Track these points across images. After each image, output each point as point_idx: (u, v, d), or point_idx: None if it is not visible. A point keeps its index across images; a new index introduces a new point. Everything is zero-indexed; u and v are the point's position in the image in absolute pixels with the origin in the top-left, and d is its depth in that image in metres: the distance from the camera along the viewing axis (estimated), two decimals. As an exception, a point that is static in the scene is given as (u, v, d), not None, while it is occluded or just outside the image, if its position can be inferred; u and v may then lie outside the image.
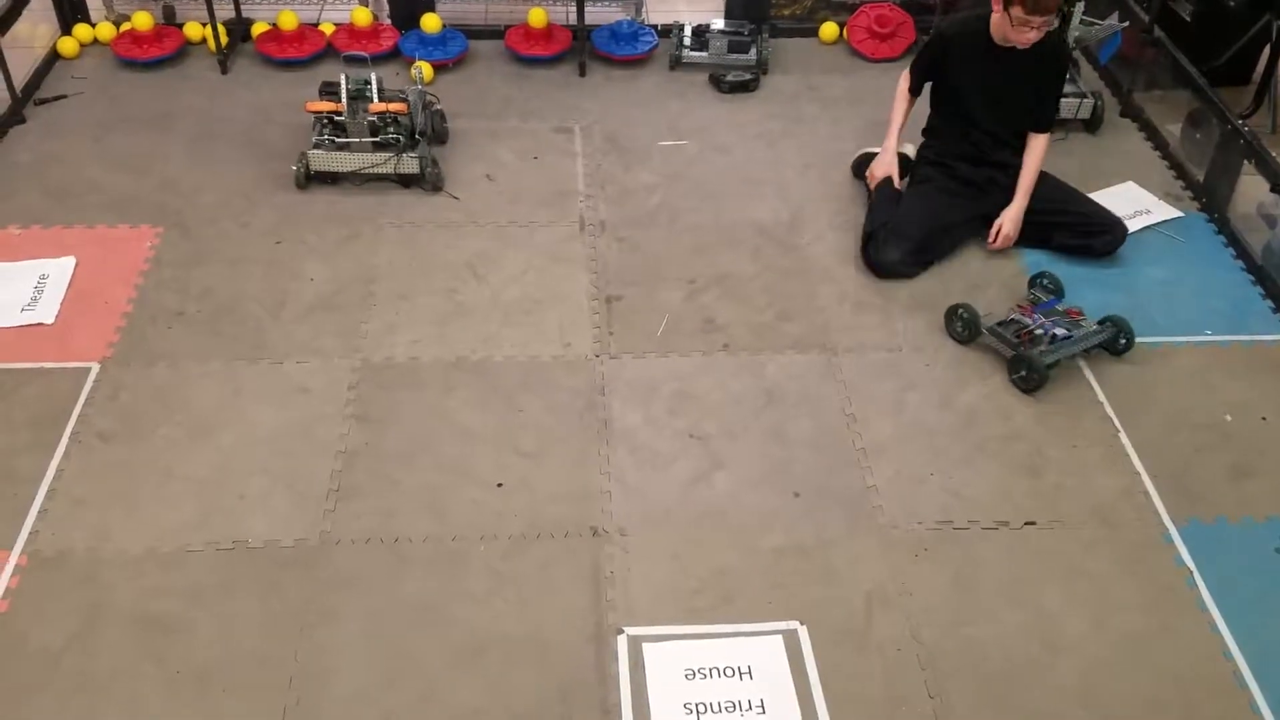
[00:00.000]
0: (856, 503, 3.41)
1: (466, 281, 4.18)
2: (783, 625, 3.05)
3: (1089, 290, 4.18)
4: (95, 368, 3.77)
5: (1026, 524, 3.33)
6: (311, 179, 4.59)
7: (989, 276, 4.24)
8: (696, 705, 2.87)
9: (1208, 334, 4.02)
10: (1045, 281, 4.04)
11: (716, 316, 4.07)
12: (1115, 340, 3.85)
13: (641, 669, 2.94)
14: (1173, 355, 3.93)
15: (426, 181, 4.59)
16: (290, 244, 4.33)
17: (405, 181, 4.62)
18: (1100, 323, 3.85)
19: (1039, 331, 3.76)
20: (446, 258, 4.29)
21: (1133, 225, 4.44)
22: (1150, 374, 3.85)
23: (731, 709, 2.87)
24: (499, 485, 3.41)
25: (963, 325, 3.91)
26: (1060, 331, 3.77)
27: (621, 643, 3.00)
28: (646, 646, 3.00)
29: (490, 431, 3.60)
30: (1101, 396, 3.75)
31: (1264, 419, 3.70)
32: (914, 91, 4.46)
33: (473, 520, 3.32)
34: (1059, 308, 3.90)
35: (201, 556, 3.19)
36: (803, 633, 3.03)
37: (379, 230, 4.42)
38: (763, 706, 2.87)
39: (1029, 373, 3.71)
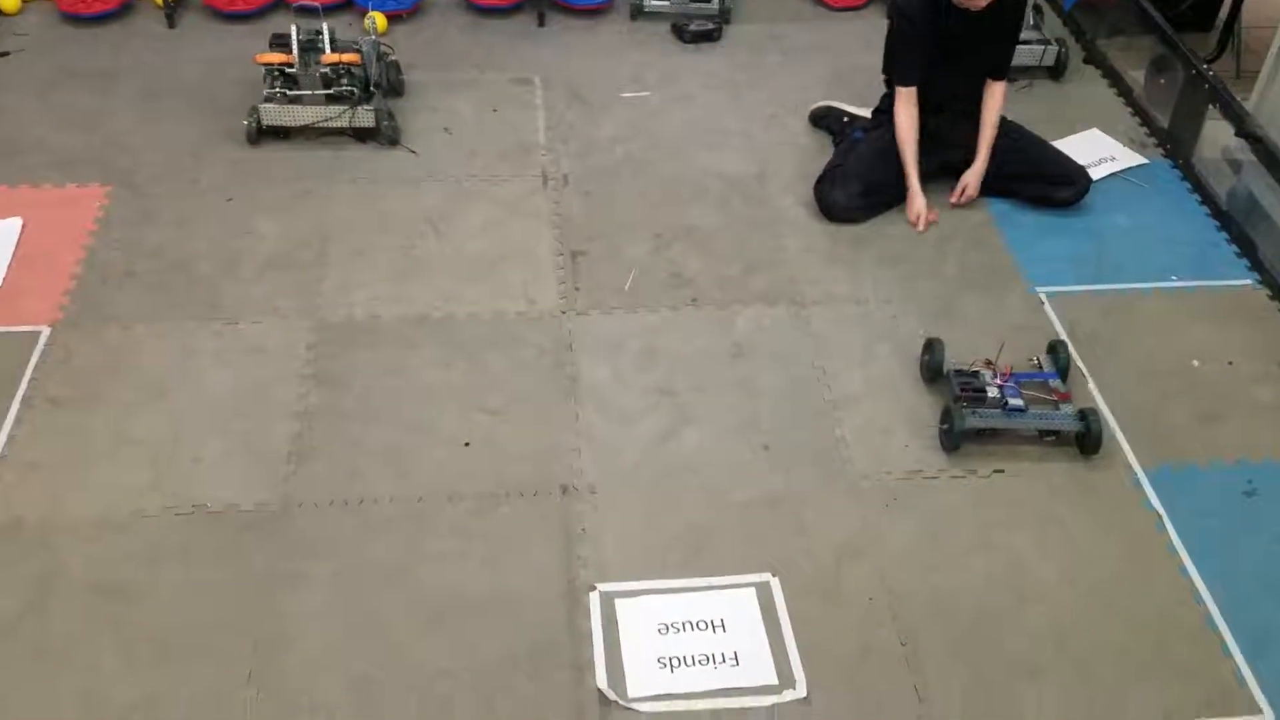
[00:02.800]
0: (826, 455, 3.38)
1: (426, 237, 4.09)
2: (755, 578, 3.03)
3: (1055, 238, 4.17)
4: (45, 331, 3.66)
5: (995, 472, 3.32)
6: (263, 134, 4.47)
7: (955, 227, 4.21)
8: (670, 659, 2.84)
9: (1174, 280, 4.01)
10: (1059, 354, 3.55)
11: (684, 270, 4.01)
12: (1080, 435, 3.34)
13: (614, 625, 2.91)
14: (1139, 302, 3.92)
15: (382, 135, 4.48)
16: (242, 201, 4.21)
17: (360, 135, 4.50)
18: (1079, 413, 3.35)
19: (991, 393, 3.37)
20: (405, 213, 4.19)
21: (1097, 172, 4.42)
22: (1117, 321, 3.84)
23: (705, 661, 2.84)
24: (465, 445, 3.35)
25: (926, 366, 3.56)
26: (1015, 402, 3.35)
27: (594, 599, 2.96)
28: (619, 602, 2.96)
29: (454, 390, 3.53)
30: (1070, 347, 3.74)
31: (1230, 363, 3.70)
32: (913, 82, 4.16)
33: (439, 480, 3.25)
34: (1051, 384, 3.47)
35: (158, 522, 3.11)
36: (775, 584, 3.01)
37: (334, 186, 4.30)
38: (736, 658, 2.85)
39: (949, 429, 3.33)
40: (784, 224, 4.22)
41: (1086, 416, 3.32)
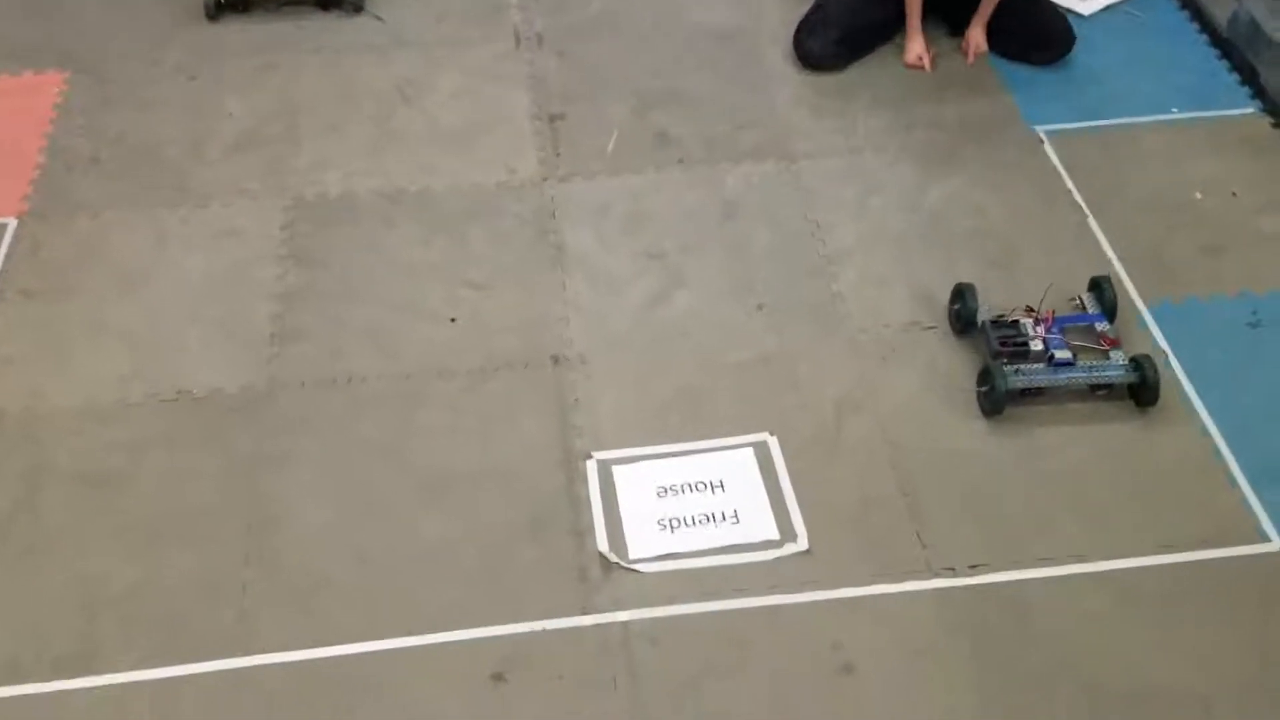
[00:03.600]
0: (822, 311, 3.30)
1: (397, 108, 3.93)
2: (752, 437, 2.98)
3: (1052, 76, 4.02)
4: (12, 223, 3.54)
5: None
6: (222, 8, 4.26)
7: (949, 69, 4.05)
8: (670, 521, 2.81)
9: (1174, 112, 3.87)
10: (1103, 292, 3.17)
11: (669, 129, 3.86)
12: (1134, 387, 2.98)
13: (612, 491, 2.87)
14: (1140, 136, 3.79)
15: (346, 2, 4.28)
16: (205, 80, 4.04)
17: (323, 4, 4.29)
18: (1133, 361, 2.99)
19: (1035, 346, 2.99)
20: (374, 84, 4.02)
21: (1093, 4, 4.25)
22: (1118, 156, 3.71)
23: (705, 521, 2.81)
24: (452, 320, 3.26)
25: (958, 317, 3.16)
26: (1062, 355, 2.99)
27: (590, 467, 2.91)
28: (616, 469, 2.92)
29: (436, 265, 3.42)
30: (1070, 184, 3.62)
31: (1234, 194, 3.59)
32: None
33: (426, 357, 3.18)
34: (1098, 327, 3.11)
35: (141, 410, 3.04)
36: (773, 443, 2.96)
37: (299, 58, 4.12)
38: (736, 516, 2.82)
39: (989, 390, 2.95)
40: (772, 76, 4.06)
41: (1142, 365, 2.94)
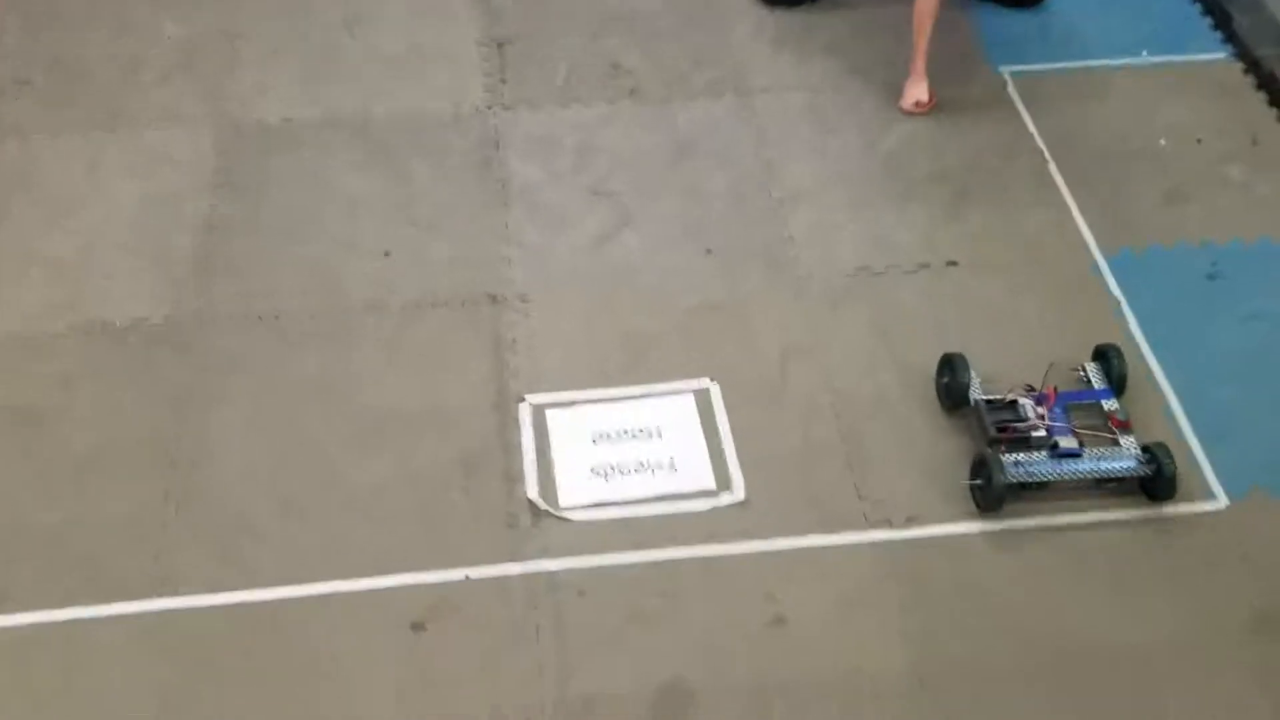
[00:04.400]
0: (773, 255, 3.20)
1: (339, 33, 3.78)
2: (694, 384, 2.90)
3: (1020, 16, 3.89)
4: (-64, 148, 3.41)
5: (949, 265, 3.16)
6: (162, -75, 4.08)
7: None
8: (604, 468, 2.74)
9: (1144, 55, 3.76)
10: (1110, 362, 2.80)
11: (622, 60, 3.73)
12: (1150, 481, 2.62)
13: (546, 436, 2.79)
14: (1108, 79, 3.68)
15: (292, -77, 4.10)
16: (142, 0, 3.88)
17: (268, -77, 4.12)
18: (1145, 451, 2.63)
19: (1036, 433, 2.64)
20: (315, 5, 3.86)
21: (1071, -56, 4.10)
22: (1084, 100, 3.61)
23: (641, 469, 2.74)
24: (386, 254, 3.16)
25: (947, 392, 2.77)
26: (1068, 444, 2.62)
27: (524, 411, 2.84)
28: (550, 413, 2.84)
29: (376, 197, 3.31)
30: (1032, 127, 3.52)
31: (1199, 141, 3.49)
32: None
33: (362, 292, 3.08)
34: (1106, 406, 2.74)
35: (69, 341, 2.95)
36: (714, 390, 2.88)
37: (239, -22, 3.97)
38: (673, 465, 2.75)
39: (985, 485, 2.57)
40: (729, 8, 3.92)
41: (1157, 456, 2.59)
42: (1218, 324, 3.02)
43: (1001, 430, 2.63)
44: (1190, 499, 2.68)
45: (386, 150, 3.43)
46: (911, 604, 2.50)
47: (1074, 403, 2.74)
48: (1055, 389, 2.70)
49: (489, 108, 3.56)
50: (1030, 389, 2.71)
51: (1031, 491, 2.61)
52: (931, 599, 2.51)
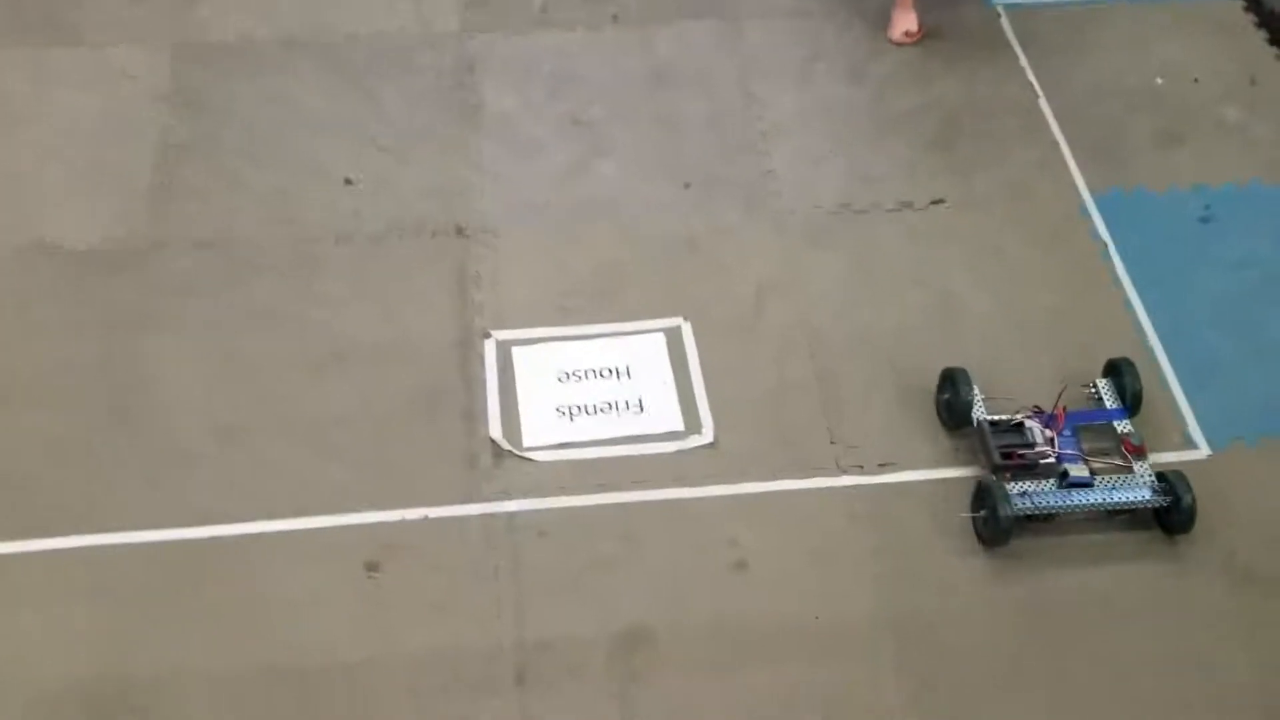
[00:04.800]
0: (752, 189, 3.09)
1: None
2: (665, 322, 2.81)
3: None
4: (-119, 59, 3.26)
5: (933, 203, 3.05)
6: None
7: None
8: (570, 408, 2.65)
9: (1145, -11, 3.63)
10: (1123, 379, 2.59)
11: (605, -17, 3.59)
12: (1166, 513, 2.43)
13: (510, 374, 2.70)
14: (1104, 14, 3.54)
15: None
16: (99, -92, 3.70)
17: None
18: (1161, 480, 2.44)
19: (1044, 460, 2.45)
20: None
21: None
22: (1080, 35, 3.47)
23: (607, 409, 2.66)
24: (347, 181, 3.04)
25: (948, 410, 2.58)
26: (1078, 473, 2.43)
27: (489, 347, 2.74)
28: (516, 350, 2.74)
29: (342, 121, 3.18)
30: (1024, 61, 3.39)
31: (1196, 80, 3.37)
32: None
33: (324, 221, 2.96)
34: (1119, 429, 2.54)
35: (10, 262, 2.83)
36: (686, 329, 2.79)
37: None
38: (641, 405, 2.66)
39: (989, 517, 2.38)
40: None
41: (1174, 486, 2.40)
42: (1207, 269, 2.93)
43: (1007, 457, 2.44)
44: (1172, 448, 2.61)
45: (353, 73, 3.29)
46: (882, 552, 2.43)
47: (1084, 424, 2.55)
48: (1064, 409, 2.51)
49: (463, 30, 3.41)
50: (1038, 410, 2.52)
51: (1037, 524, 2.43)
52: (903, 547, 2.44)
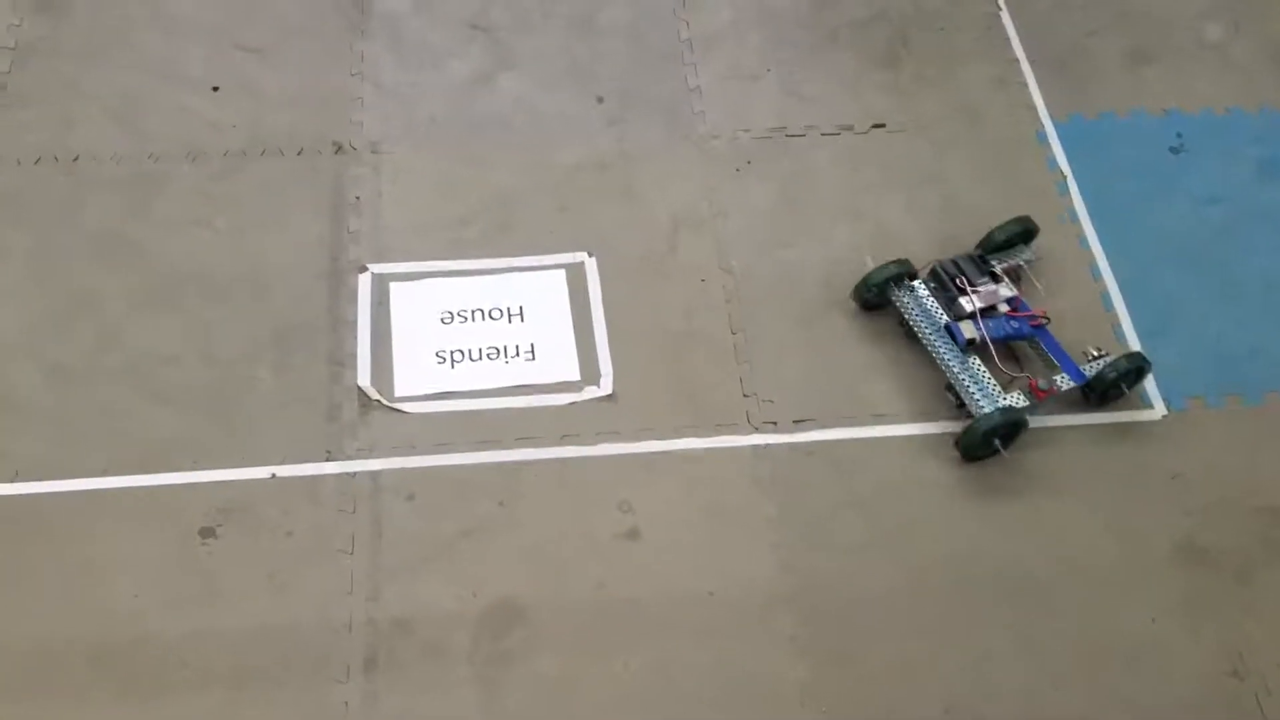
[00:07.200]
0: (673, 108, 2.75)
1: None
2: (567, 258, 2.48)
3: None
4: None
5: (874, 127, 2.72)
6: None
7: None
8: (451, 353, 2.33)
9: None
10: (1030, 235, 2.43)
11: None
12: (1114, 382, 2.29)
13: (386, 313, 2.37)
14: (1077, -85, 3.18)
15: None
16: None
17: None
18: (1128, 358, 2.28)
19: (966, 305, 2.32)
20: None
21: None
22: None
23: (495, 355, 2.34)
24: (215, 89, 2.67)
25: (866, 286, 2.39)
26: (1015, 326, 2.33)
27: (364, 281, 2.41)
28: (394, 286, 2.41)
29: (207, 20, 2.80)
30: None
31: (1176, -8, 3.03)
32: None
33: (178, 133, 2.61)
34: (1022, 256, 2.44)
35: None
36: (590, 265, 2.47)
37: None
38: (533, 352, 2.34)
39: (962, 434, 2.22)
40: None
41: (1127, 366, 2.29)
42: (1175, 204, 2.62)
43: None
44: (1127, 407, 2.34)
45: (223, -36, 2.89)
46: (788, 516, 2.16)
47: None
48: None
49: (347, -85, 3.01)
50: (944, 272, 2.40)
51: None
52: (811, 512, 2.18)
